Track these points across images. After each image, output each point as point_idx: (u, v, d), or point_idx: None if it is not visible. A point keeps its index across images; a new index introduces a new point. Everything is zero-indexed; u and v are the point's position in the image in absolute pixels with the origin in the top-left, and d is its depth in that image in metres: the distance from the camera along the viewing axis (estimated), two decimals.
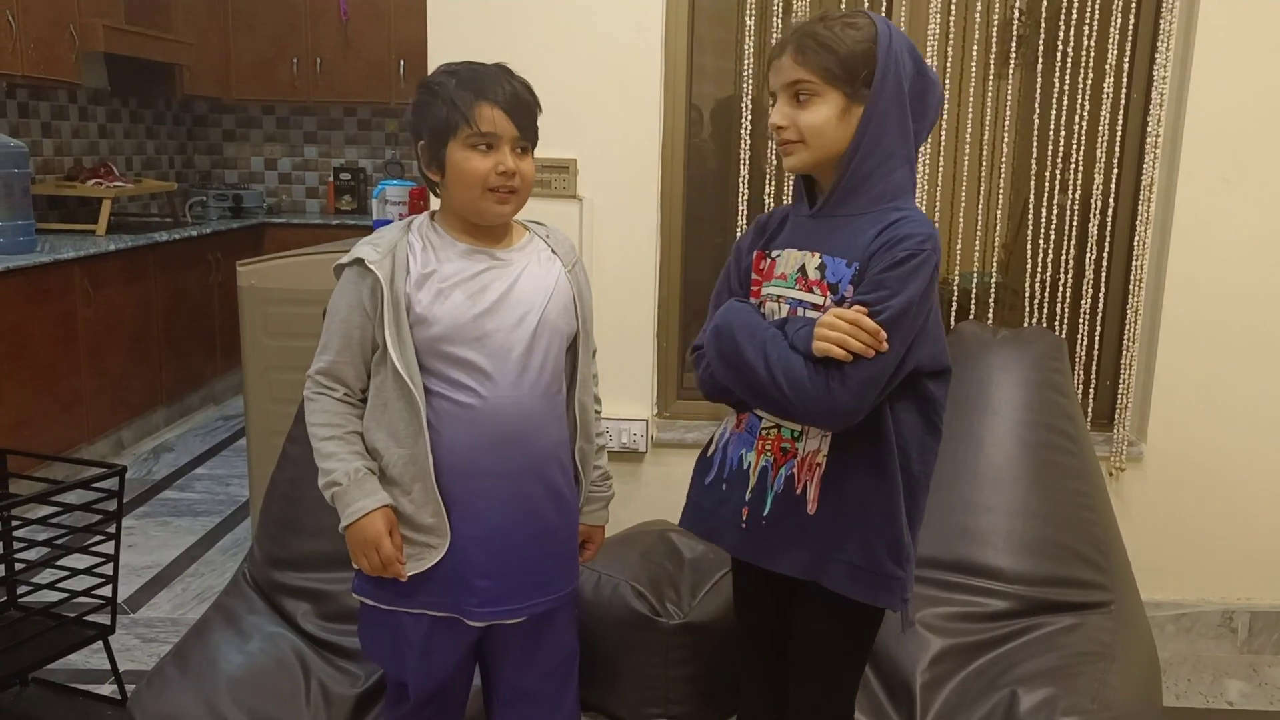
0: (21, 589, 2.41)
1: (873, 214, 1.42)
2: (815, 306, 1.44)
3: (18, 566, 2.35)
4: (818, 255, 1.46)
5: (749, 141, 2.66)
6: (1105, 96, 2.62)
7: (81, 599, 2.32)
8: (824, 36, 1.41)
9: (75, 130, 4.98)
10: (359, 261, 1.54)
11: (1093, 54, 2.61)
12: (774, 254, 1.53)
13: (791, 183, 1.61)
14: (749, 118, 2.65)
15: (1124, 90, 2.63)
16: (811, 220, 1.50)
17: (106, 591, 2.33)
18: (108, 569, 2.32)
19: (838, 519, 1.45)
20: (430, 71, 2.59)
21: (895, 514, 1.44)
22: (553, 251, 1.65)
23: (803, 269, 1.47)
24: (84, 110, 5.04)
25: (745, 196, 2.69)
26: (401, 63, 5.63)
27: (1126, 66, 2.61)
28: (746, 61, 2.63)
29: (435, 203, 1.67)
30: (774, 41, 2.61)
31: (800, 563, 1.48)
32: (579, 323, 1.65)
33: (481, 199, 1.52)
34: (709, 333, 1.52)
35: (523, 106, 1.53)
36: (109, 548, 2.31)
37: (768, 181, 2.69)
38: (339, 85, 5.73)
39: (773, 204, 2.69)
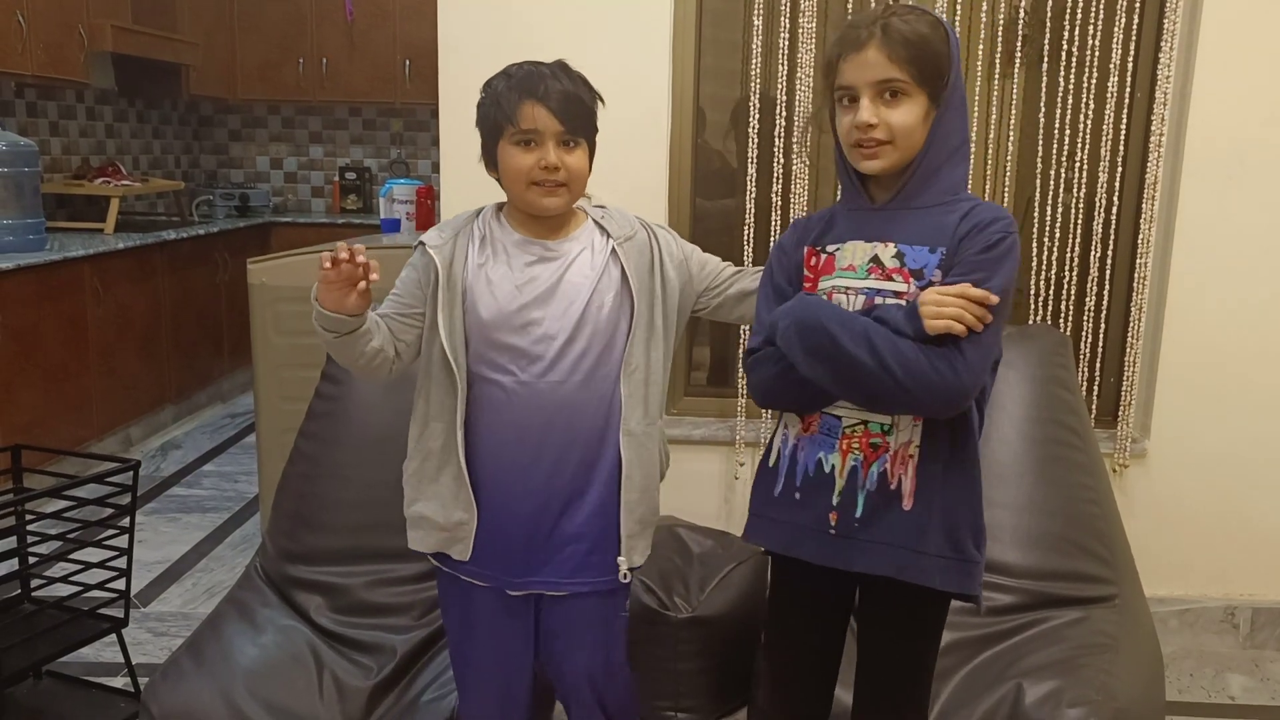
0: (35, 582, 2.43)
1: (944, 205, 1.45)
2: (898, 294, 1.43)
3: (31, 560, 2.37)
4: (892, 245, 1.45)
5: (756, 140, 2.68)
6: (1109, 95, 2.64)
7: (94, 593, 2.34)
8: (917, 36, 1.39)
9: (83, 129, 5.01)
10: (422, 244, 1.63)
11: (1097, 52, 2.63)
12: (830, 249, 1.50)
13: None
14: (756, 117, 2.67)
15: (1128, 88, 2.65)
16: (874, 213, 1.49)
17: (119, 585, 2.35)
18: (121, 562, 2.34)
19: (930, 511, 1.43)
20: (440, 71, 2.64)
21: (979, 499, 1.46)
22: (606, 233, 1.65)
23: (876, 259, 1.46)
24: (91, 110, 5.07)
25: (753, 195, 2.71)
26: (407, 63, 5.65)
27: (1130, 65, 2.63)
28: (754, 62, 2.65)
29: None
30: (784, 40, 2.63)
31: (888, 562, 1.44)
32: (633, 294, 1.62)
33: (527, 193, 1.57)
34: (785, 330, 1.45)
35: (572, 102, 1.55)
36: (122, 541, 2.33)
37: (774, 180, 2.71)
38: (345, 85, 5.76)
39: (780, 204, 2.71)
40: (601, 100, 1.61)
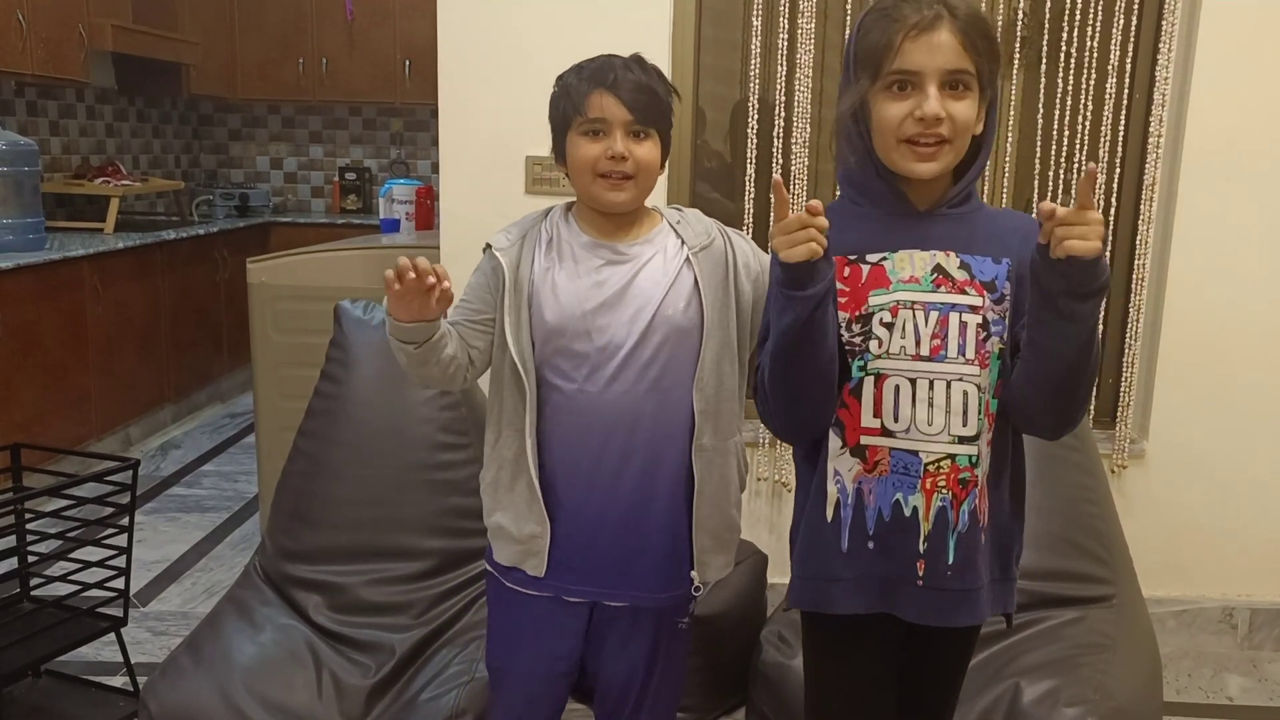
0: (34, 581, 2.44)
1: (979, 211, 1.37)
2: (974, 309, 1.30)
3: (31, 559, 2.38)
4: (953, 254, 1.32)
5: (755, 141, 2.68)
6: (1108, 97, 2.65)
7: (94, 591, 2.34)
8: (984, 23, 1.27)
9: (83, 129, 5.01)
10: (489, 247, 1.60)
11: (1095, 55, 2.64)
12: (873, 259, 1.33)
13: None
14: (755, 117, 2.68)
15: (1126, 91, 2.65)
16: (919, 219, 1.34)
17: (119, 584, 2.35)
18: (120, 561, 2.34)
19: (996, 540, 1.36)
20: (440, 70, 2.64)
21: (1023, 518, 1.41)
22: (680, 240, 1.59)
23: (940, 269, 1.31)
24: (91, 109, 5.07)
25: (751, 195, 2.71)
26: (407, 62, 5.65)
27: (1129, 67, 2.64)
28: (753, 62, 2.65)
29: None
30: (783, 40, 2.63)
31: (980, 607, 1.34)
32: (704, 306, 1.55)
33: (594, 185, 1.52)
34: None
35: (643, 92, 1.50)
36: (121, 540, 2.33)
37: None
38: (345, 85, 5.76)
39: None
40: (678, 95, 1.58)
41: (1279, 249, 2.67)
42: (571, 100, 1.51)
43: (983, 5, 2.65)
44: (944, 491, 1.30)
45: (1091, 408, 2.79)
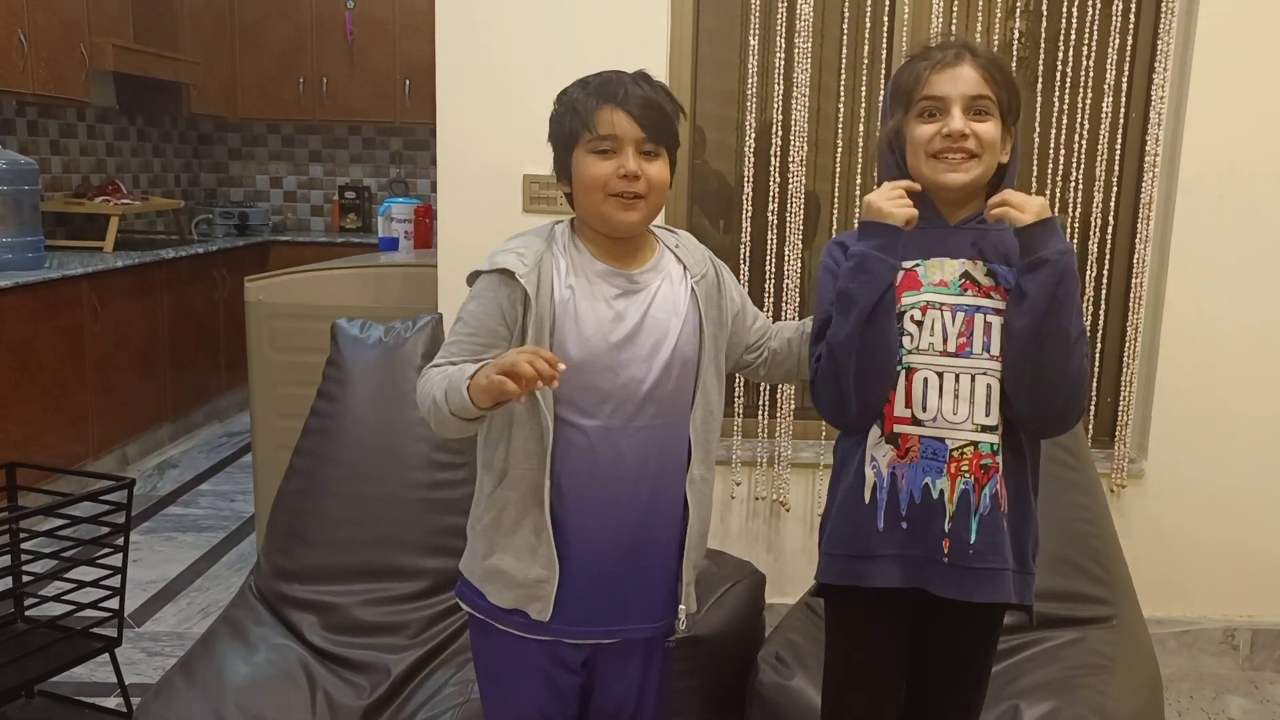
0: (29, 601, 2.42)
1: (1006, 227, 1.47)
2: (997, 311, 1.45)
3: (25, 579, 2.36)
4: (981, 263, 1.48)
5: (752, 160, 2.69)
6: (1104, 115, 2.66)
7: (88, 612, 2.33)
8: (1002, 63, 1.50)
9: (83, 148, 5.02)
10: (507, 272, 1.47)
11: (1091, 75, 2.65)
12: (910, 265, 1.49)
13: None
14: (752, 137, 2.68)
15: (1123, 109, 2.66)
16: (952, 231, 1.51)
17: (113, 604, 2.34)
18: (115, 581, 2.33)
19: (1016, 528, 1.46)
20: (438, 90, 2.65)
21: (1035, 514, 1.50)
22: (682, 265, 1.57)
23: (968, 275, 1.48)
24: (92, 128, 5.09)
25: (749, 215, 2.71)
26: (407, 82, 5.67)
27: (1125, 86, 2.65)
28: (750, 81, 2.66)
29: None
30: (780, 60, 2.64)
31: (1004, 586, 1.44)
32: (702, 337, 1.56)
33: (604, 205, 1.46)
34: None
35: (653, 109, 1.46)
36: (116, 560, 2.32)
37: (771, 199, 2.72)
38: (344, 104, 5.78)
39: (776, 223, 2.72)
40: (684, 112, 1.55)
41: (1277, 267, 2.67)
42: (579, 116, 1.46)
43: (980, 24, 2.67)
44: (967, 475, 1.43)
45: (1090, 426, 2.78)
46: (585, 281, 1.50)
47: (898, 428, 1.46)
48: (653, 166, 1.47)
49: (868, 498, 1.49)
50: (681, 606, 1.60)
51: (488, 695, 1.67)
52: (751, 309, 1.69)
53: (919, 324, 1.46)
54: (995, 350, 1.44)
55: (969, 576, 1.43)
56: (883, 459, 1.48)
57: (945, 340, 1.45)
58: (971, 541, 1.43)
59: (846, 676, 1.61)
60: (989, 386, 1.43)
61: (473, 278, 1.53)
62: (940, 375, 1.44)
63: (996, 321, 1.44)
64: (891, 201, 1.45)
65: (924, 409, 1.44)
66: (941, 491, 1.43)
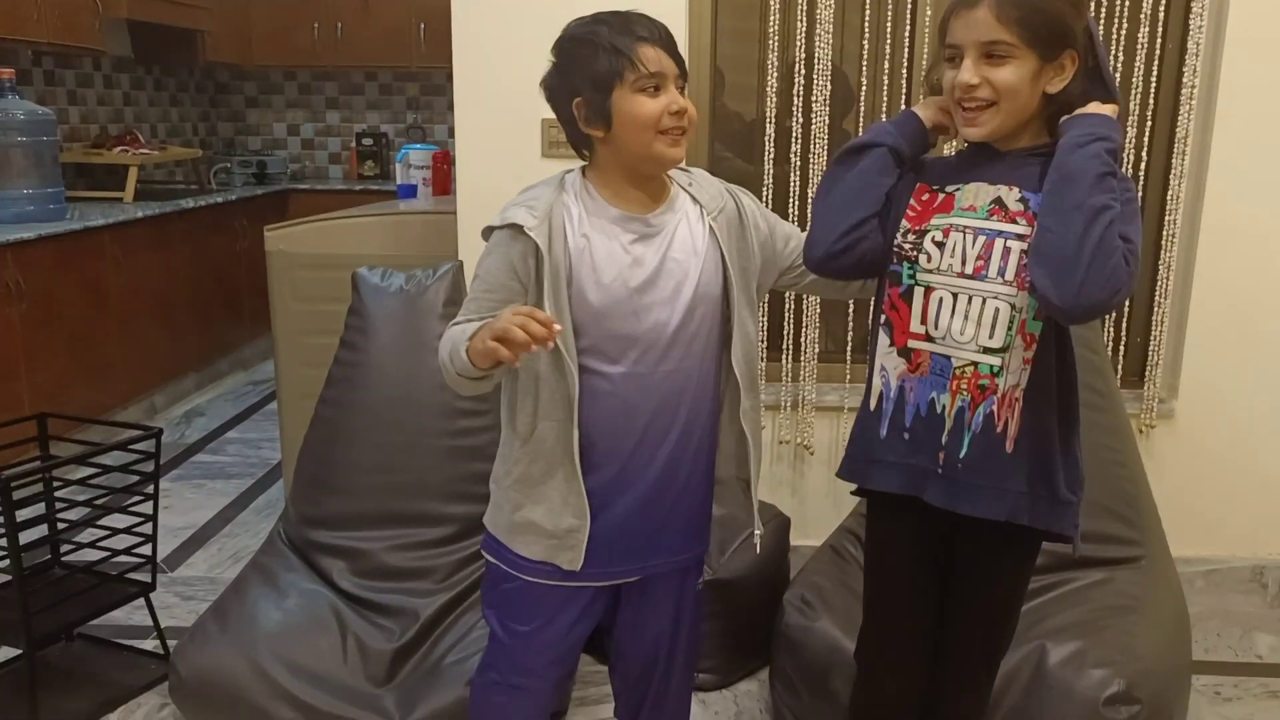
0: (64, 548, 2.47)
1: (1044, 154, 1.45)
2: (1020, 236, 1.43)
3: (60, 526, 2.40)
4: (1016, 189, 1.45)
5: (775, 100, 2.64)
6: (1140, 47, 2.58)
7: (122, 557, 2.37)
8: (1028, 5, 1.38)
9: (100, 98, 5.00)
10: (516, 227, 1.46)
11: (1128, 4, 2.57)
12: (950, 189, 1.50)
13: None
14: (775, 76, 2.63)
15: (1159, 41, 2.58)
16: (1000, 158, 1.48)
17: (146, 550, 2.38)
18: (147, 528, 2.36)
19: (1031, 454, 1.46)
20: (455, 33, 2.60)
21: (1076, 442, 1.49)
22: (698, 204, 1.56)
23: (999, 201, 1.46)
24: (109, 78, 5.06)
25: (771, 156, 2.67)
26: (422, 26, 5.59)
27: (1162, 16, 2.57)
28: (772, 20, 2.60)
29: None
30: (801, 34, 2.57)
31: (1001, 506, 1.46)
32: (729, 271, 1.55)
33: (656, 142, 1.45)
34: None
35: (674, 44, 1.47)
36: (147, 508, 2.36)
37: (794, 139, 2.67)
38: (359, 49, 5.72)
39: (800, 164, 2.67)
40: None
41: None
42: (622, 55, 1.42)
43: None
44: (964, 393, 1.46)
45: (1119, 367, 2.74)
46: (600, 228, 1.49)
47: (911, 343, 1.49)
48: (688, 101, 1.48)
49: (873, 405, 1.54)
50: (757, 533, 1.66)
51: (507, 630, 1.66)
52: (783, 230, 1.66)
53: (940, 245, 1.47)
54: (1010, 275, 1.43)
55: (956, 489, 1.47)
56: (893, 370, 1.51)
57: (964, 263, 1.45)
58: (961, 456, 1.46)
59: (878, 579, 1.66)
60: (998, 310, 1.43)
61: (486, 233, 1.53)
62: (955, 296, 1.45)
63: (1016, 246, 1.42)
64: (931, 104, 1.52)
65: (936, 327, 1.47)
66: (944, 406, 1.47)
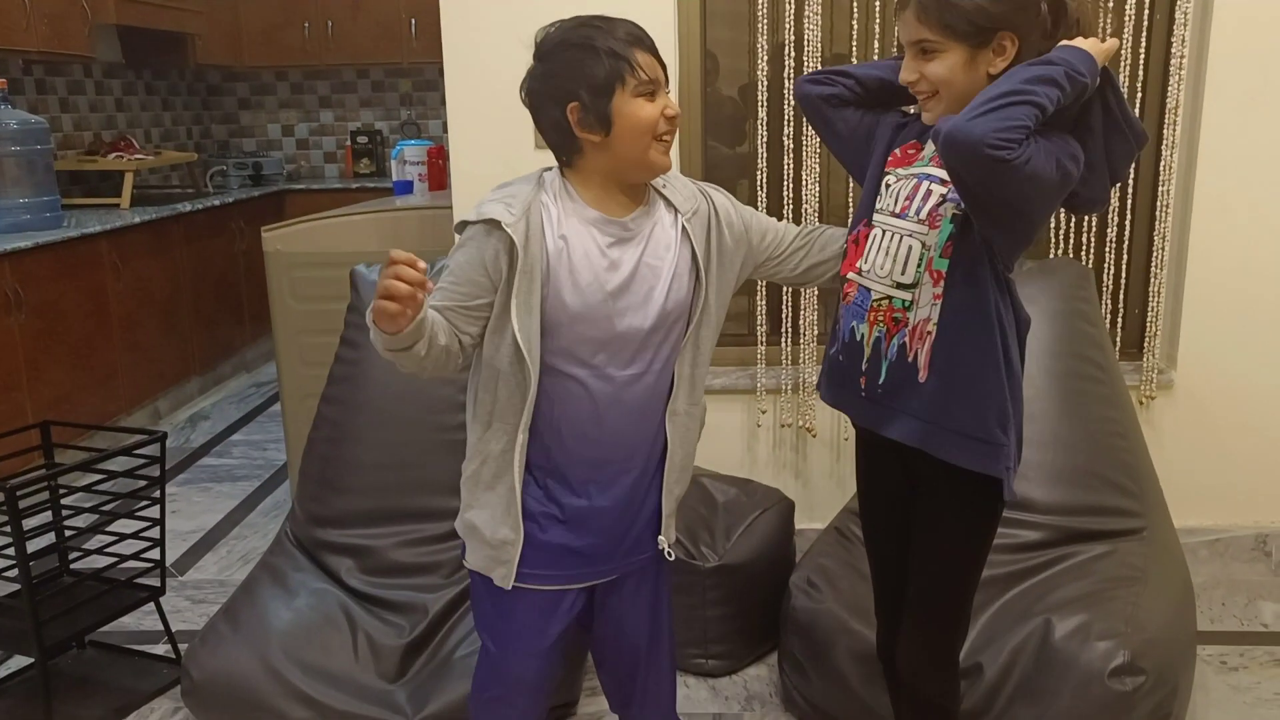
0: (72, 555, 2.48)
1: None
2: (944, 181, 1.48)
3: (67, 533, 2.42)
4: None
5: (766, 84, 2.63)
6: (1127, 18, 2.57)
7: (131, 563, 2.38)
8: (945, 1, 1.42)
9: (93, 104, 5.00)
10: (493, 222, 1.44)
11: None
12: (926, 144, 1.56)
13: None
14: (765, 59, 2.62)
15: (1146, 10, 2.58)
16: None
17: (154, 554, 2.39)
18: (154, 533, 2.38)
19: (947, 386, 1.49)
20: (444, 27, 2.59)
21: (999, 384, 1.48)
22: (671, 205, 1.55)
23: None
24: (100, 84, 5.06)
25: (764, 139, 2.67)
26: (413, 21, 5.58)
27: None
28: (760, 23, 2.59)
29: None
30: (789, 21, 2.58)
31: (913, 430, 1.52)
32: (701, 274, 1.55)
33: (651, 149, 1.46)
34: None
35: (658, 50, 1.49)
36: (154, 512, 2.37)
37: (786, 123, 2.67)
38: (350, 47, 5.71)
39: (792, 146, 2.67)
40: None
41: None
42: (622, 59, 1.42)
43: None
44: (880, 325, 1.54)
45: (1118, 339, 2.75)
46: (578, 230, 1.48)
47: (850, 274, 1.60)
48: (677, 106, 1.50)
49: (831, 327, 1.67)
50: (661, 537, 1.62)
51: (486, 636, 1.66)
52: (759, 224, 1.66)
53: (889, 188, 1.57)
54: (924, 215, 1.49)
55: (874, 410, 1.56)
56: (842, 299, 1.62)
57: (895, 203, 1.55)
58: (880, 382, 1.55)
59: (860, 515, 1.79)
60: (910, 248, 1.50)
61: (461, 226, 1.51)
62: (884, 233, 1.55)
63: (938, 190, 1.49)
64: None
65: (865, 260, 1.57)
66: (862, 335, 1.56)
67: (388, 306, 1.30)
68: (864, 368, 1.56)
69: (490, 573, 1.56)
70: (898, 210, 1.54)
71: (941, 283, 1.48)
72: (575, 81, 1.43)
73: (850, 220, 1.66)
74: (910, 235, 1.51)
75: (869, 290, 1.55)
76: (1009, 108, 1.31)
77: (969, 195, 1.40)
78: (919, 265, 1.49)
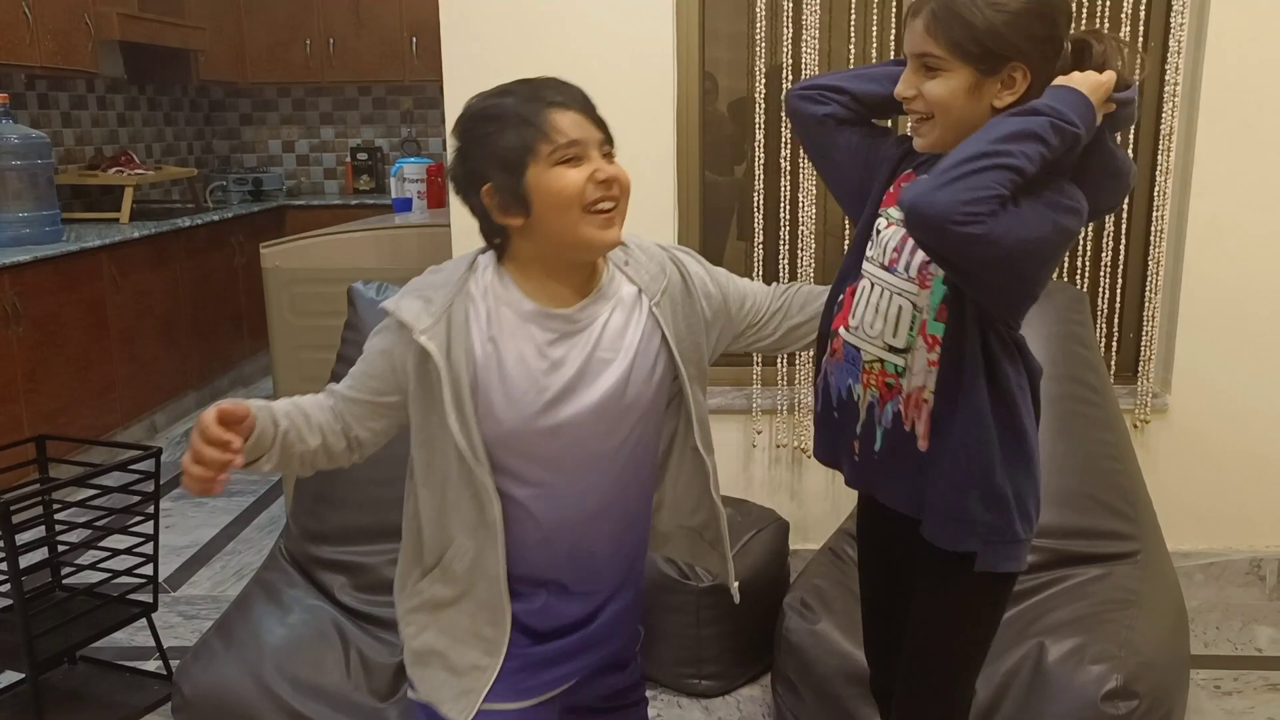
0: (65, 570, 2.48)
1: None
2: None
3: (61, 548, 2.41)
4: None
5: (763, 105, 2.65)
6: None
7: (124, 578, 2.38)
8: (969, 9, 1.26)
9: (94, 119, 5.03)
10: (404, 327, 1.28)
11: (1109, 2, 2.58)
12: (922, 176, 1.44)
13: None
14: (763, 81, 2.64)
15: (1141, 38, 2.60)
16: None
17: (148, 570, 2.39)
18: (148, 548, 2.37)
19: (947, 458, 1.35)
20: (444, 46, 2.61)
21: (992, 461, 1.33)
22: (634, 284, 1.36)
23: None
24: (102, 99, 5.08)
25: (761, 161, 2.68)
26: (414, 39, 5.62)
27: (1143, 14, 2.58)
28: (759, 24, 2.61)
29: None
30: (788, 33, 2.59)
31: (911, 498, 1.39)
32: (678, 365, 1.37)
33: (582, 222, 1.25)
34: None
35: (592, 104, 1.28)
36: (148, 528, 2.37)
37: (784, 144, 2.68)
38: (353, 64, 5.75)
39: (790, 169, 2.69)
40: None
41: None
42: (532, 125, 1.23)
43: None
44: (873, 389, 1.40)
45: (1112, 363, 2.76)
46: (512, 329, 1.28)
47: (840, 328, 1.44)
48: (618, 168, 1.29)
49: (815, 380, 1.52)
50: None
51: None
52: (736, 290, 1.49)
53: (879, 233, 1.41)
54: (913, 272, 1.34)
55: (868, 474, 1.45)
56: (827, 355, 1.48)
57: (884, 253, 1.39)
58: (876, 449, 1.41)
59: (858, 567, 1.68)
60: (901, 308, 1.35)
61: (382, 312, 1.34)
62: (873, 287, 1.40)
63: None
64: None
65: (854, 316, 1.42)
66: (858, 396, 1.42)
67: (194, 470, 1.16)
68: (859, 431, 1.43)
69: (441, 706, 1.37)
70: (886, 263, 1.38)
71: (937, 348, 1.33)
72: (486, 160, 1.26)
73: (842, 266, 1.49)
74: (900, 294, 1.36)
75: (859, 350, 1.41)
76: (978, 174, 1.16)
77: (949, 269, 1.27)
78: (911, 328, 1.35)
